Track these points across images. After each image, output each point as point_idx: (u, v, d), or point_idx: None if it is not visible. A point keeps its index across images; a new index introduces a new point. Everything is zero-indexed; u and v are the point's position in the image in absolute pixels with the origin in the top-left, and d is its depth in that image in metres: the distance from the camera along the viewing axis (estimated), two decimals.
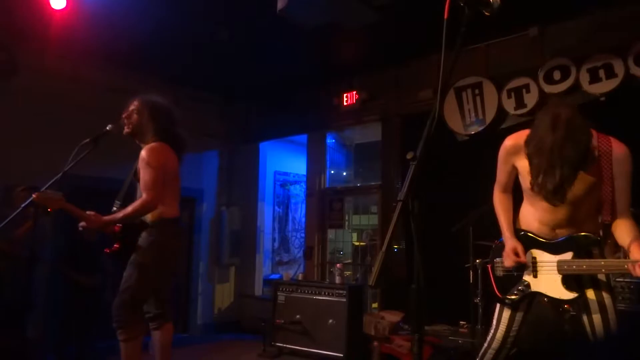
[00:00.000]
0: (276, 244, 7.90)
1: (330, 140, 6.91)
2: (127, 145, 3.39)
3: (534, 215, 2.42)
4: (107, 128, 3.26)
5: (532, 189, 2.21)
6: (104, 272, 5.08)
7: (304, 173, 7.06)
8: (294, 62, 5.68)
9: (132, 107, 3.29)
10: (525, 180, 2.34)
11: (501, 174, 2.53)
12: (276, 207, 7.93)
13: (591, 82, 4.25)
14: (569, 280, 2.27)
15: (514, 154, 2.40)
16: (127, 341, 3.03)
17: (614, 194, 2.17)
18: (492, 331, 2.49)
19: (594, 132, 2.18)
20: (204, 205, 6.98)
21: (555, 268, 2.28)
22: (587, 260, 2.21)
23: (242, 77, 6.18)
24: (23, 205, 3.04)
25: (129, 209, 3.06)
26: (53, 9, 4.22)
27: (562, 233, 2.32)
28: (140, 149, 3.24)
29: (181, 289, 6.68)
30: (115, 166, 3.47)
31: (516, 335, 2.43)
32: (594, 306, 2.27)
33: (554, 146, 2.05)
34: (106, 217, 3.09)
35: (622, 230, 2.19)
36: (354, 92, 6.02)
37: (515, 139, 2.39)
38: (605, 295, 2.28)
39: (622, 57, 4.10)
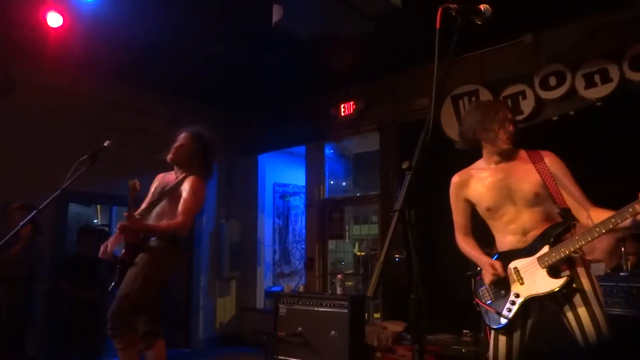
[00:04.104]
0: (277, 256, 7.86)
1: (328, 151, 6.91)
2: (122, 161, 3.40)
3: (503, 235, 2.45)
4: (105, 144, 3.26)
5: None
6: (104, 287, 5.06)
7: (304, 184, 7.04)
8: (291, 73, 5.70)
9: (183, 141, 3.44)
10: (481, 206, 2.47)
11: (457, 214, 2.61)
12: (276, 219, 7.91)
13: (587, 87, 4.27)
14: (554, 270, 2.26)
15: (462, 187, 2.57)
16: (125, 349, 3.04)
17: (557, 187, 2.31)
18: None
19: (522, 150, 2.45)
20: (204, 219, 6.96)
21: (537, 265, 2.29)
22: (563, 243, 2.23)
23: (239, 89, 6.19)
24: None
25: (164, 224, 3.19)
26: (50, 26, 4.27)
27: (533, 235, 2.35)
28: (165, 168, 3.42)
29: (182, 303, 6.64)
30: (111, 182, 3.46)
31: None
32: (577, 300, 2.22)
33: None
34: (146, 223, 3.20)
35: (597, 213, 2.22)
36: (351, 102, 6.04)
37: (460, 175, 2.62)
38: (587, 284, 2.23)
39: (617, 62, 4.12)
